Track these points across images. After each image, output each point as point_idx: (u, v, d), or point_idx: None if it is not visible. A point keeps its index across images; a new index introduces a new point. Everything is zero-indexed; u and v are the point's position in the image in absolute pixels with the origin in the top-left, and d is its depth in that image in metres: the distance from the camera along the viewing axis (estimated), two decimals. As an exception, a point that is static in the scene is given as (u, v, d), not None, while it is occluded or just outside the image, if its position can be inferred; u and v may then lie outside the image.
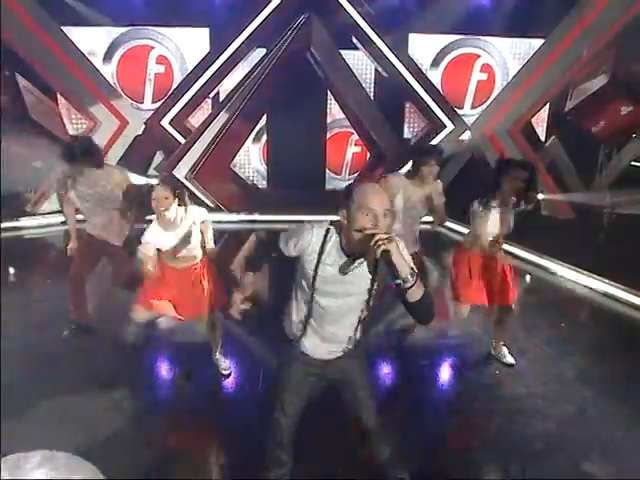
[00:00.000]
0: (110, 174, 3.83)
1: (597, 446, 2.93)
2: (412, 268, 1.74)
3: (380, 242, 1.67)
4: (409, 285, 1.71)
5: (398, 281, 1.70)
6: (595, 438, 3.01)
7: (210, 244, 3.40)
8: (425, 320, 1.88)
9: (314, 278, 1.93)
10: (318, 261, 1.90)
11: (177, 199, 3.17)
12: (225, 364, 3.68)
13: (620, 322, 4.78)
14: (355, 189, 1.83)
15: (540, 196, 8.00)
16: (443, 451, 2.93)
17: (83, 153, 3.65)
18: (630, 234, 6.57)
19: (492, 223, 3.50)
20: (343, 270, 1.89)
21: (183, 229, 3.21)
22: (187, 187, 3.39)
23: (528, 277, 6.10)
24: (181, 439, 2.99)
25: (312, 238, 1.91)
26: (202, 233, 3.38)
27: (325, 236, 1.91)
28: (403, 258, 1.72)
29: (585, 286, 5.54)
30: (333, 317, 2.00)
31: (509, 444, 2.95)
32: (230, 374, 3.63)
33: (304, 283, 2.00)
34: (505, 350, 3.87)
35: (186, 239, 3.23)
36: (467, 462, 2.81)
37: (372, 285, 1.94)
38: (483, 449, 2.92)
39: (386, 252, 1.67)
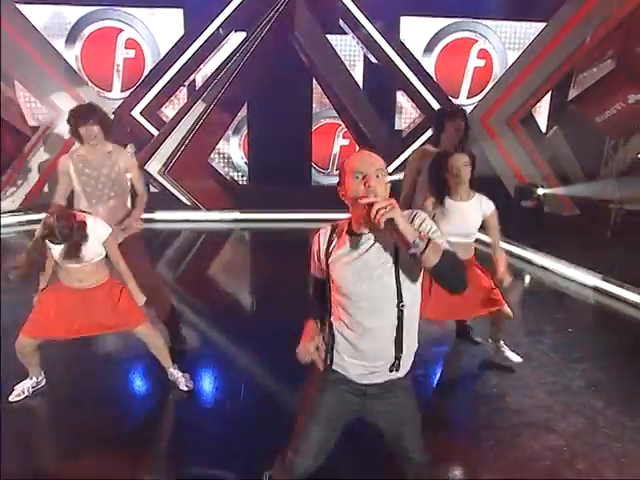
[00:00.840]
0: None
1: (610, 462, 2.86)
2: (419, 231, 1.73)
3: (382, 210, 1.63)
4: (421, 250, 1.66)
5: (413, 250, 1.66)
6: (607, 453, 2.94)
7: (122, 269, 3.20)
8: (453, 286, 1.77)
9: (328, 267, 1.93)
10: (329, 250, 1.93)
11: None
12: (184, 379, 3.43)
13: (632, 326, 4.74)
14: (346, 160, 1.90)
15: (541, 191, 8.02)
16: (440, 469, 2.78)
17: None
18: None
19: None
20: (353, 246, 1.87)
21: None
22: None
23: (531, 279, 6.06)
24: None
25: (321, 237, 1.99)
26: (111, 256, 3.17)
27: (333, 229, 1.98)
28: (407, 223, 1.69)
29: (593, 288, 5.51)
30: (365, 310, 1.86)
31: (512, 461, 2.86)
32: (191, 389, 3.41)
33: (329, 285, 1.97)
34: (506, 348, 3.79)
35: (76, 250, 3.00)
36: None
37: (397, 259, 1.82)
38: (483, 467, 2.83)
39: (390, 221, 1.63)
